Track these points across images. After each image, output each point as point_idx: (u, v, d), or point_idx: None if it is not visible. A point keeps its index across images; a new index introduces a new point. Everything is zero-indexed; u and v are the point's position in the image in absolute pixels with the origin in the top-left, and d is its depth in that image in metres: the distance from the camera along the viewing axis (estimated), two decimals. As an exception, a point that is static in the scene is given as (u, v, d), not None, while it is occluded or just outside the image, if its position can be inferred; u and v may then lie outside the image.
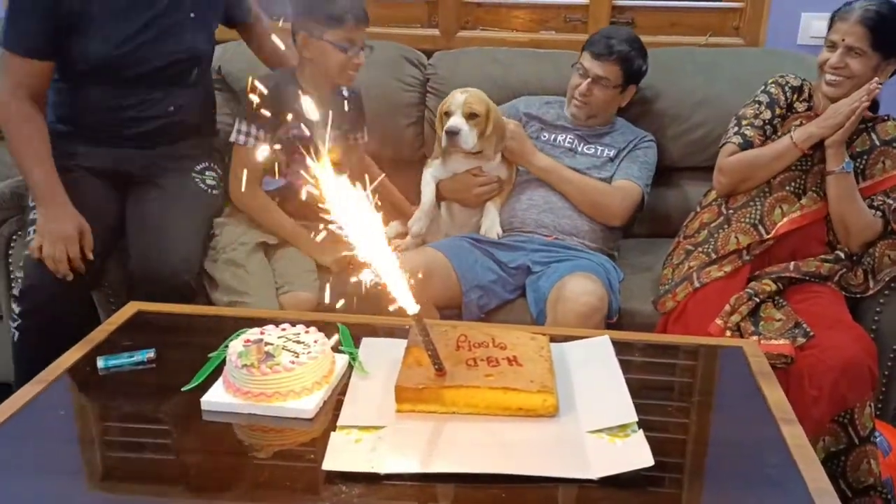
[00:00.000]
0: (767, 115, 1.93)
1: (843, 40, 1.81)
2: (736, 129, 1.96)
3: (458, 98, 2.00)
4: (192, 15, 1.91)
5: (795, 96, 1.95)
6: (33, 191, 1.82)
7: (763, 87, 1.99)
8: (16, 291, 1.88)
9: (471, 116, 1.98)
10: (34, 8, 1.76)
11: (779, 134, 1.92)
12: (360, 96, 2.17)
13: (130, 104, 1.91)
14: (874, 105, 1.91)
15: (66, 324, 1.76)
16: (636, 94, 2.23)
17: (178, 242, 1.85)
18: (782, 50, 2.43)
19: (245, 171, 1.93)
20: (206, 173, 2.03)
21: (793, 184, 1.89)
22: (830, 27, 1.86)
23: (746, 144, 1.92)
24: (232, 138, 1.96)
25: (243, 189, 1.95)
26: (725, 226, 1.92)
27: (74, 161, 1.92)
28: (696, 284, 1.84)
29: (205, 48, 2.00)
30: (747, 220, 1.90)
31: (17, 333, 1.87)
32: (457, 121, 1.97)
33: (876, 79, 1.77)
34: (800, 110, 1.93)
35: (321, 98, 1.98)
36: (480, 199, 2.10)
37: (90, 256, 1.80)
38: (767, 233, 1.87)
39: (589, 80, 2.09)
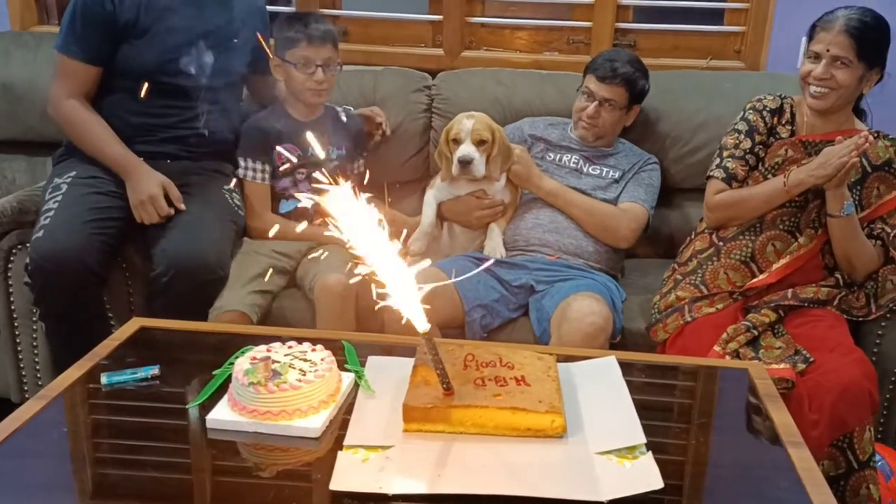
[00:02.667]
0: (748, 144, 1.90)
1: (828, 50, 1.76)
2: (718, 160, 1.94)
3: (466, 125, 2.01)
4: (234, 41, 2.04)
5: (776, 119, 1.91)
6: (115, 168, 1.99)
7: (742, 114, 1.96)
8: (27, 279, 1.91)
9: (480, 143, 2.00)
10: (93, 16, 1.93)
11: (765, 164, 1.89)
12: (358, 121, 2.23)
13: (165, 114, 2.02)
14: (865, 117, 1.90)
15: (81, 298, 1.87)
16: (638, 116, 2.25)
17: (212, 241, 1.92)
18: (783, 73, 2.45)
19: (256, 202, 2.11)
20: (234, 194, 2.11)
21: (786, 221, 1.86)
22: (812, 37, 1.81)
23: (729, 178, 1.90)
24: (241, 175, 2.12)
25: (257, 219, 2.11)
26: (715, 258, 1.89)
27: (96, 174, 2.00)
28: (688, 318, 1.83)
29: (239, 72, 2.11)
30: (737, 255, 1.87)
31: (42, 325, 1.98)
32: (468, 149, 1.99)
33: (865, 133, 1.71)
34: (783, 135, 1.89)
35: (308, 121, 2.11)
36: (482, 222, 2.11)
37: (180, 206, 1.96)
38: (760, 270, 1.85)
39: (596, 102, 2.10)
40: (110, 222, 1.92)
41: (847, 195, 1.76)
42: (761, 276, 1.84)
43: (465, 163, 1.99)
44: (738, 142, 1.92)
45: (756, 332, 1.75)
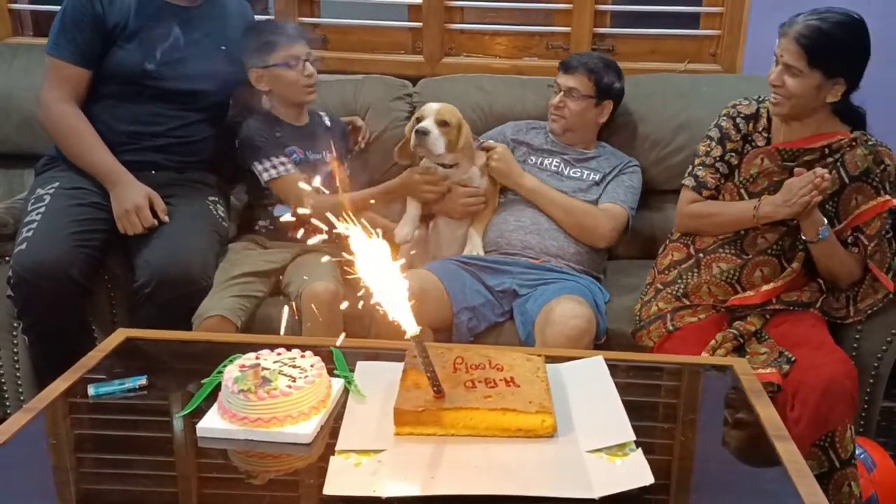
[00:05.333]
0: (718, 151, 1.88)
1: (782, 56, 1.71)
2: (691, 168, 1.93)
3: (431, 106, 2.07)
4: (222, 47, 2.06)
5: (751, 126, 1.86)
6: (100, 178, 1.97)
7: (716, 120, 1.92)
8: (10, 292, 1.89)
9: (442, 124, 2.03)
10: (82, 18, 1.94)
11: (741, 175, 1.85)
12: (341, 125, 2.25)
13: (152, 122, 2.02)
14: (860, 120, 1.82)
15: (65, 312, 1.87)
16: (618, 119, 2.28)
17: (195, 251, 1.91)
18: (759, 76, 2.49)
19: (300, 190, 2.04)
20: (218, 206, 2.10)
21: (774, 247, 1.83)
22: (777, 40, 1.75)
23: (699, 186, 1.89)
24: (267, 178, 2.05)
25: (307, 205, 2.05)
26: (696, 269, 1.88)
27: (80, 185, 1.99)
28: (670, 328, 1.84)
29: (226, 79, 2.11)
30: (721, 275, 1.85)
31: (25, 339, 1.96)
32: (427, 123, 2.02)
33: (820, 171, 1.68)
34: (759, 143, 1.85)
35: (300, 126, 2.13)
36: (467, 209, 2.12)
37: (164, 219, 1.95)
38: (744, 290, 1.84)
39: (561, 93, 2.14)
40: (94, 234, 1.91)
41: (820, 220, 1.73)
42: (747, 294, 1.83)
43: (422, 133, 2.00)
44: (709, 149, 1.90)
45: (741, 341, 1.77)
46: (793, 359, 1.67)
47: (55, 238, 1.84)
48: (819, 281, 1.86)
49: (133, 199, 1.92)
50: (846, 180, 1.80)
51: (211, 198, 2.09)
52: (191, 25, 2.01)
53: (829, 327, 1.84)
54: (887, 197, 1.78)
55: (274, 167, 2.05)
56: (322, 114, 2.21)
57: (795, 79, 1.71)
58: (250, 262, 2.01)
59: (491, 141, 2.20)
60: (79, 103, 1.99)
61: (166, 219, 1.95)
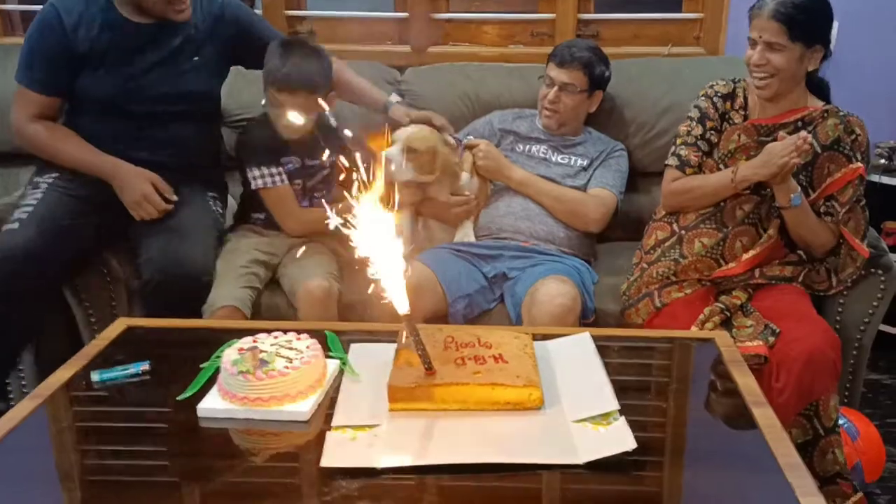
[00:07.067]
0: (699, 130, 1.93)
1: (761, 37, 1.78)
2: (673, 148, 1.98)
3: (405, 131, 2.07)
4: (195, 59, 2.02)
5: (728, 104, 1.93)
6: (96, 174, 1.98)
7: (695, 101, 1.98)
8: None
9: (409, 151, 2.03)
10: (49, 48, 1.93)
11: (719, 151, 1.91)
12: (336, 131, 2.22)
13: (136, 139, 2.01)
14: (825, 90, 1.90)
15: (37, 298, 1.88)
16: (603, 104, 2.31)
17: (197, 247, 1.93)
18: (740, 57, 2.53)
19: (285, 203, 2.07)
20: (217, 202, 2.13)
21: (751, 216, 1.88)
22: (749, 24, 1.81)
23: (683, 165, 1.94)
24: (254, 186, 2.06)
25: (293, 220, 2.09)
26: (678, 246, 1.93)
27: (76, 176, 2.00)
28: (658, 304, 1.88)
29: (206, 90, 2.09)
30: (703, 251, 1.89)
31: None
32: (393, 150, 2.02)
33: (804, 133, 1.73)
34: (736, 121, 1.91)
35: (298, 136, 2.09)
36: (459, 217, 2.16)
37: (172, 198, 1.98)
38: (726, 262, 1.89)
39: (556, 88, 2.17)
40: (85, 229, 1.93)
41: (794, 187, 1.78)
42: (730, 265, 1.88)
43: (386, 160, 2.00)
44: (690, 129, 1.96)
45: (728, 314, 1.81)
46: (778, 331, 1.72)
47: (39, 228, 1.86)
48: (799, 253, 1.91)
49: (138, 188, 1.94)
50: (818, 150, 1.85)
51: (210, 193, 2.12)
52: (159, 43, 1.97)
53: (813, 300, 1.88)
54: (858, 164, 1.83)
55: (262, 177, 2.05)
56: (329, 115, 2.17)
57: (779, 54, 1.78)
58: (250, 249, 2.03)
59: (471, 138, 2.22)
60: (52, 121, 2.00)
61: (175, 197, 1.98)
